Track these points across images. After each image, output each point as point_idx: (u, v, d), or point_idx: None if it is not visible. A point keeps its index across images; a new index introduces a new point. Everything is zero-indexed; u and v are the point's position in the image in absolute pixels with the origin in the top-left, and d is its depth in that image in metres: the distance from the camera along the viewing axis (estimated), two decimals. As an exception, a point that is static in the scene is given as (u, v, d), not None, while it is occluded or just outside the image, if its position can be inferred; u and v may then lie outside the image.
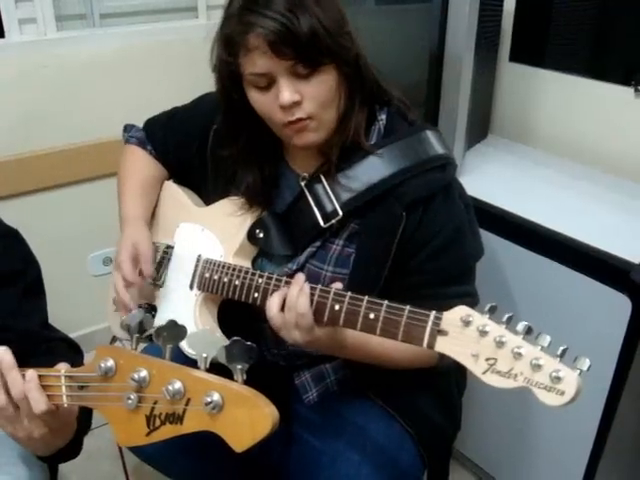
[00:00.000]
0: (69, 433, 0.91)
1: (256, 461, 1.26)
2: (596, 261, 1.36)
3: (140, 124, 1.44)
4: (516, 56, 1.88)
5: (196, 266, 1.21)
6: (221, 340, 0.71)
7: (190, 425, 0.69)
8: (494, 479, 1.77)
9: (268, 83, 1.03)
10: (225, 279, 1.13)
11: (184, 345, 0.73)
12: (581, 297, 1.40)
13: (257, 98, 1.06)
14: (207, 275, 1.17)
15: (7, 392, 0.82)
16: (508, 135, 1.94)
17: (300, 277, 1.00)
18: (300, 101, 1.02)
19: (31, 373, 0.82)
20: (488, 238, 1.52)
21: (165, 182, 1.37)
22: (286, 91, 1.01)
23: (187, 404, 0.69)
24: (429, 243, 1.09)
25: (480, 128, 1.90)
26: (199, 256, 1.21)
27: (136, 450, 1.25)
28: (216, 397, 0.67)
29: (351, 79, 1.07)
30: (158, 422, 0.71)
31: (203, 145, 1.25)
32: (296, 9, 0.98)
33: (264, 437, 0.66)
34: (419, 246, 1.10)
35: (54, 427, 0.83)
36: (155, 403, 0.71)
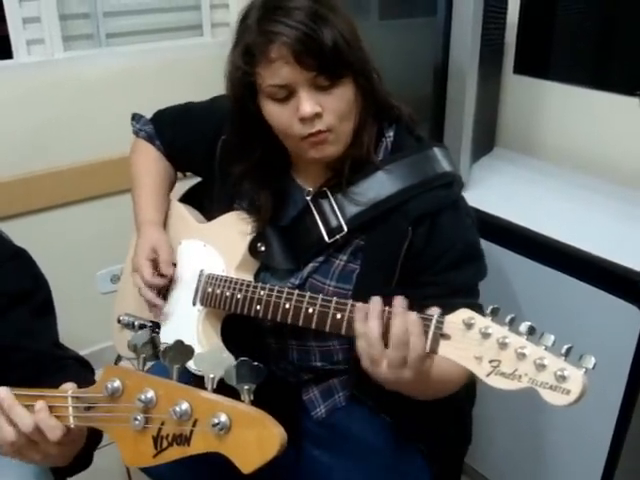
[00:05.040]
0: (80, 443, 0.92)
1: (265, 478, 1.25)
2: (604, 272, 1.36)
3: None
4: (520, 68, 1.88)
5: (198, 281, 1.21)
6: (228, 360, 0.70)
7: (197, 446, 0.69)
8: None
9: (287, 95, 1.02)
10: (227, 293, 1.13)
11: (190, 364, 0.73)
12: (590, 308, 1.39)
13: (274, 110, 1.05)
14: (209, 290, 1.17)
15: (15, 427, 0.83)
16: (514, 147, 1.94)
17: (400, 301, 0.90)
18: (320, 113, 1.02)
19: (40, 404, 0.82)
20: (495, 250, 1.52)
21: (172, 200, 1.38)
22: (307, 103, 1.01)
23: (194, 425, 0.68)
24: (440, 258, 1.09)
25: (486, 141, 1.91)
26: (201, 271, 1.21)
27: (144, 468, 1.24)
28: (223, 418, 0.66)
29: (366, 93, 1.07)
30: (165, 443, 0.71)
31: (210, 153, 1.25)
32: (317, 20, 0.98)
33: (272, 458, 0.65)
34: (430, 261, 1.09)
35: (67, 442, 0.83)
36: (162, 424, 0.71)
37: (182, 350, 0.73)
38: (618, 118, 1.69)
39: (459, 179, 1.16)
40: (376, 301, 0.92)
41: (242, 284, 1.12)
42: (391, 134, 1.15)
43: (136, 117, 1.45)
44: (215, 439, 0.67)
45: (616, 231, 1.48)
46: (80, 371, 1.13)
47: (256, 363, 0.69)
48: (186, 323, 1.21)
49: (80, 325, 2.12)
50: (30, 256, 1.20)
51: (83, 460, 1.00)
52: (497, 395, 1.30)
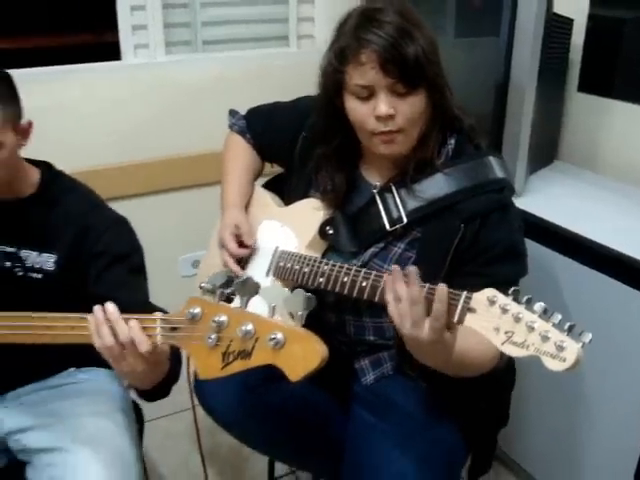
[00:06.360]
0: (162, 371, 1.09)
1: (320, 432, 1.41)
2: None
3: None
4: (584, 87, 1.97)
5: (273, 256, 1.38)
6: (286, 293, 0.87)
7: (257, 359, 0.85)
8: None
9: (368, 95, 1.19)
10: (296, 266, 1.30)
11: (256, 299, 0.89)
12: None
13: (355, 106, 1.22)
14: (282, 264, 1.34)
15: (115, 337, 1.01)
16: (575, 161, 2.03)
17: (412, 269, 1.03)
18: (394, 115, 1.18)
19: (134, 322, 1.00)
20: (545, 253, 1.62)
21: (256, 187, 1.57)
22: (384, 104, 1.17)
23: (256, 342, 0.85)
24: (485, 253, 1.22)
25: (545, 154, 2.00)
26: (276, 248, 1.38)
27: (216, 417, 1.39)
28: (279, 335, 0.82)
29: (436, 105, 1.23)
30: (231, 357, 0.87)
31: (292, 146, 1.43)
32: (404, 35, 1.15)
33: (314, 369, 0.81)
34: (475, 254, 1.22)
35: (152, 362, 1.01)
36: (230, 342, 0.87)
37: (251, 285, 0.90)
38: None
39: (510, 186, 1.30)
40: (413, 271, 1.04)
41: (309, 259, 1.28)
42: (453, 142, 1.29)
43: (232, 112, 1.65)
44: (271, 353, 0.83)
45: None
46: None
47: (308, 294, 0.85)
48: (273, 294, 1.36)
49: (160, 304, 2.32)
50: (130, 224, 1.41)
51: (162, 390, 1.18)
52: (536, 389, 1.41)
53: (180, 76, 2.24)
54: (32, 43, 2.77)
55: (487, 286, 1.18)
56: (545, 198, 1.78)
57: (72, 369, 1.43)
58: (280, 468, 1.96)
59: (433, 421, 1.32)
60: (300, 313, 0.84)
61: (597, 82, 1.95)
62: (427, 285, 1.04)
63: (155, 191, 2.30)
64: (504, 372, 1.38)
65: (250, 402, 1.33)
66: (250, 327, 0.85)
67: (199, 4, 2.25)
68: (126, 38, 2.19)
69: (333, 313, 1.37)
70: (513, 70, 1.67)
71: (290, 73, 2.28)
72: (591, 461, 1.67)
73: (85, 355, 1.35)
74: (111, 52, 2.21)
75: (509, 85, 1.69)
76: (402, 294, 1.02)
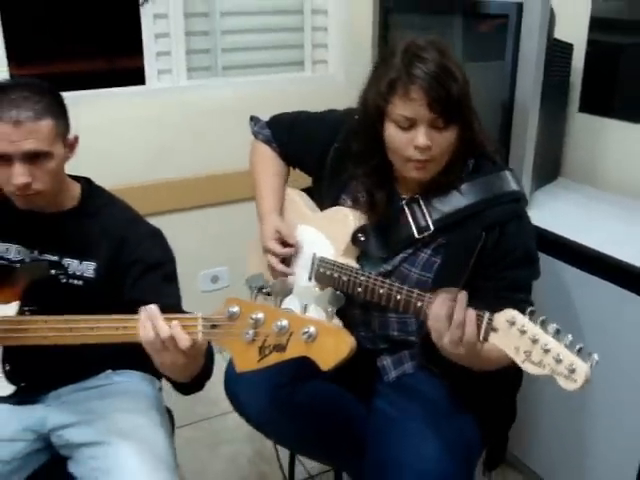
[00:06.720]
0: (199, 364, 1.19)
1: (346, 430, 1.50)
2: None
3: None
4: (585, 107, 2.09)
5: (312, 262, 1.48)
6: (317, 292, 0.97)
7: (291, 352, 0.95)
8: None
9: (409, 125, 1.29)
10: (335, 275, 1.40)
11: (289, 300, 0.99)
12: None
13: (396, 134, 1.31)
14: (322, 270, 1.44)
15: (157, 333, 1.09)
16: (577, 178, 2.13)
17: (462, 295, 1.14)
18: (430, 146, 1.28)
19: (175, 322, 1.08)
20: (551, 263, 1.72)
21: (287, 189, 1.66)
22: (423, 137, 1.27)
23: (290, 336, 0.95)
24: (504, 259, 1.33)
25: (549, 170, 2.11)
26: (314, 254, 1.47)
27: (250, 418, 1.49)
28: (312, 329, 0.92)
29: (465, 138, 1.34)
30: (267, 351, 0.97)
31: (322, 157, 1.52)
32: (447, 73, 1.26)
33: (344, 359, 0.91)
34: (495, 260, 1.33)
35: (191, 355, 1.10)
36: (267, 337, 0.97)
37: (285, 286, 1.00)
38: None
39: (524, 197, 1.42)
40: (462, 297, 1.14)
41: (346, 269, 1.38)
42: (473, 161, 1.41)
43: (253, 118, 1.73)
44: (304, 345, 0.93)
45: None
46: None
47: (338, 292, 0.95)
48: (305, 294, 1.42)
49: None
50: (164, 236, 1.51)
51: (197, 384, 1.28)
52: (543, 397, 1.47)
53: (201, 99, 2.36)
54: (58, 69, 2.91)
55: (506, 289, 1.33)
56: (550, 212, 1.88)
57: (108, 371, 1.52)
58: (299, 473, 2.04)
59: (454, 412, 1.41)
60: (330, 309, 0.94)
61: (597, 103, 2.06)
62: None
63: (176, 209, 2.40)
64: (514, 372, 1.48)
65: (280, 402, 1.44)
66: (285, 323, 0.95)
67: (219, 31, 2.38)
68: (150, 64, 2.32)
69: (360, 309, 1.47)
70: (517, 92, 1.78)
71: (305, 96, 2.36)
72: (596, 461, 1.75)
73: (121, 358, 1.47)
74: (140, 75, 2.33)
75: (514, 106, 1.80)
76: (441, 315, 1.14)
